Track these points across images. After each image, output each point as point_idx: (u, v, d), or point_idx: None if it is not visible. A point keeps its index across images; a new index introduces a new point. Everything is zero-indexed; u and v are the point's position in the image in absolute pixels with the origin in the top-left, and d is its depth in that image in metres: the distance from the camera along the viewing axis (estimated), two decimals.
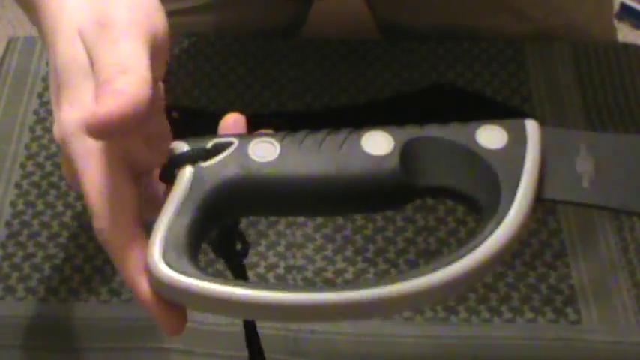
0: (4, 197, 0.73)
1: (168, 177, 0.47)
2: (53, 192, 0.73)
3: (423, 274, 0.42)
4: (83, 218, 0.71)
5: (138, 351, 0.65)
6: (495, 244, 0.43)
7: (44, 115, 0.78)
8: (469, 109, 0.80)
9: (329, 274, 0.68)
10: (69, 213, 0.72)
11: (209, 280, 0.43)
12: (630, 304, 0.67)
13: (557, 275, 0.68)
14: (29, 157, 0.75)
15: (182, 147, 0.47)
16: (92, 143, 0.45)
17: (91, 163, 0.45)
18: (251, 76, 0.81)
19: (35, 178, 0.74)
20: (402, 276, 0.42)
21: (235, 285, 0.42)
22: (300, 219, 0.71)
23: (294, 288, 0.42)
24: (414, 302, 0.43)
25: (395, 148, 0.47)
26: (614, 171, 0.47)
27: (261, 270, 0.68)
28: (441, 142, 0.47)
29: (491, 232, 0.43)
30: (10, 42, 0.84)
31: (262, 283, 0.43)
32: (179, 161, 0.47)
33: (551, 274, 0.69)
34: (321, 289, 0.42)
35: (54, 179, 0.74)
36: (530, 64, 0.83)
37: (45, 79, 0.81)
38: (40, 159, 0.75)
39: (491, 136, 0.47)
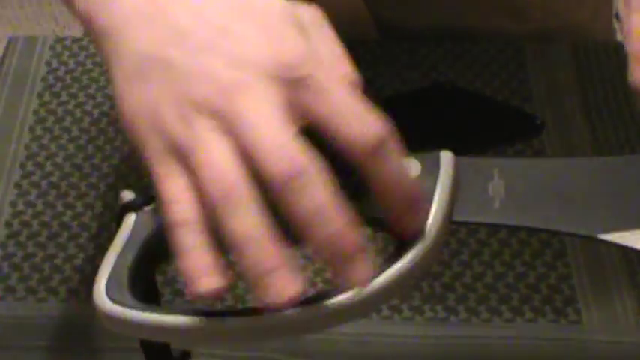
0: (4, 197, 0.73)
1: (117, 223, 0.51)
2: (53, 192, 0.73)
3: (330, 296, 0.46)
4: (83, 218, 0.71)
5: (138, 351, 0.65)
6: (405, 264, 0.46)
7: (44, 115, 0.78)
8: (469, 109, 0.80)
9: (329, 274, 0.68)
10: (69, 213, 0.72)
11: (141, 309, 0.46)
12: (630, 304, 0.67)
13: (557, 275, 0.68)
14: (29, 157, 0.75)
15: (128, 196, 0.51)
16: None
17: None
18: None
19: (35, 178, 0.74)
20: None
21: (160, 312, 0.45)
22: None
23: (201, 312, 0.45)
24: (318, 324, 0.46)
25: None
26: (524, 192, 0.49)
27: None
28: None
29: (402, 255, 0.47)
30: (10, 42, 0.84)
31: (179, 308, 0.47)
32: (125, 209, 0.51)
33: (551, 274, 0.68)
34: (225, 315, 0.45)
35: (54, 179, 0.74)
36: (530, 64, 0.83)
37: (45, 79, 0.81)
38: (40, 159, 0.75)
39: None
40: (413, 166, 0.49)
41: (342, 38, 0.88)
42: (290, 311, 0.44)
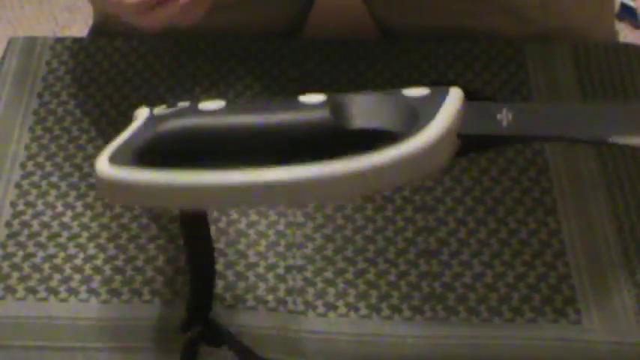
0: (4, 197, 0.73)
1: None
2: (53, 192, 0.73)
3: (332, 163, 0.46)
4: (83, 218, 0.71)
5: (138, 351, 0.65)
6: (399, 154, 0.47)
7: (44, 115, 0.78)
8: None
9: (329, 274, 0.68)
10: (69, 213, 0.72)
11: (143, 169, 0.48)
12: (630, 304, 0.67)
13: (557, 275, 0.68)
14: (29, 157, 0.75)
15: (144, 110, 0.54)
16: None
17: None
18: (251, 76, 0.81)
19: (35, 178, 0.74)
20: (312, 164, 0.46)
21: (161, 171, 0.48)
22: (300, 219, 0.71)
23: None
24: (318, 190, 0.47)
25: (326, 100, 0.51)
26: (534, 113, 0.50)
27: (261, 270, 0.68)
28: (369, 96, 0.51)
29: (398, 145, 0.47)
30: (10, 42, 0.84)
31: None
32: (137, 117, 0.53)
33: (551, 274, 0.69)
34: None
35: (54, 179, 0.74)
36: (530, 64, 0.83)
37: (45, 79, 0.81)
38: (40, 159, 0.75)
39: (415, 91, 0.51)
40: (422, 90, 0.51)
41: (344, 38, 0.88)
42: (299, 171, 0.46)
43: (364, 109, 0.50)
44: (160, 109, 0.53)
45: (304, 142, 0.50)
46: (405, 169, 0.46)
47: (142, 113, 0.54)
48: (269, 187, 0.46)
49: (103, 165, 0.49)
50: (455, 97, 0.50)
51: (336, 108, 0.50)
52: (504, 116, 0.51)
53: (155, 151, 0.51)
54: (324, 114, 0.50)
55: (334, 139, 0.49)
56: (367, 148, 0.47)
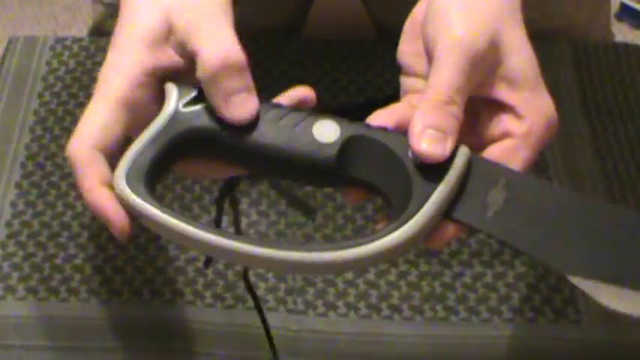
0: (4, 197, 0.73)
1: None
2: (53, 192, 0.73)
3: (316, 250, 0.50)
4: (83, 218, 0.71)
5: (137, 351, 0.65)
6: (387, 243, 0.50)
7: (44, 115, 0.78)
8: None
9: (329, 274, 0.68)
10: (69, 213, 0.72)
11: (151, 205, 0.52)
12: None
13: (557, 275, 0.68)
14: (29, 157, 0.75)
15: (172, 88, 0.56)
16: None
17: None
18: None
19: (35, 178, 0.74)
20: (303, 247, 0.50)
21: (163, 212, 0.52)
22: (300, 219, 0.71)
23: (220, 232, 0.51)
24: (302, 269, 0.52)
25: (338, 140, 0.54)
26: (521, 211, 0.52)
27: (260, 270, 0.68)
28: (378, 144, 0.53)
29: (385, 234, 0.50)
30: (10, 42, 0.84)
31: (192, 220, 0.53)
32: (166, 97, 0.56)
33: (551, 274, 0.69)
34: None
35: (54, 179, 0.74)
36: None
37: (45, 79, 0.81)
38: (40, 159, 0.75)
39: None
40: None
41: (344, 38, 0.88)
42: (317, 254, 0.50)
43: (368, 161, 0.54)
44: (186, 102, 0.55)
45: (309, 171, 0.54)
46: (390, 254, 0.51)
47: (168, 97, 0.56)
48: (262, 261, 0.51)
49: (119, 183, 0.53)
50: (454, 173, 0.52)
51: (344, 153, 0.54)
52: (496, 196, 0.52)
53: (178, 153, 0.55)
54: (330, 159, 0.53)
55: (332, 177, 0.54)
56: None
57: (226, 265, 0.68)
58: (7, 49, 0.84)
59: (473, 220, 0.52)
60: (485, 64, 0.54)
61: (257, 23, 0.87)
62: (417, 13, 0.60)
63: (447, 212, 0.52)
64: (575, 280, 0.50)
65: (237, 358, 0.64)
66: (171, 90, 0.56)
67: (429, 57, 0.55)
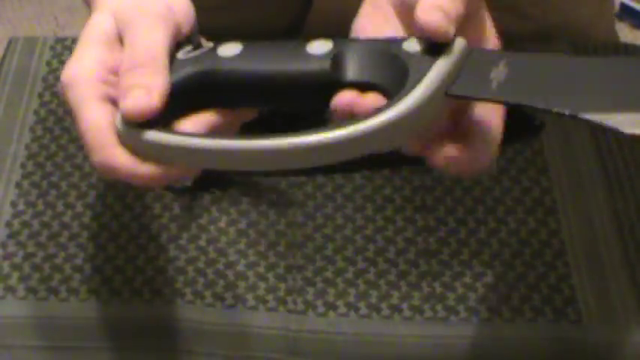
0: (4, 197, 0.73)
1: None
2: (53, 192, 0.73)
3: (324, 131, 0.50)
4: (83, 218, 0.71)
5: (138, 351, 0.65)
6: (387, 117, 0.50)
7: (44, 115, 0.78)
8: None
9: (329, 274, 0.68)
10: (69, 213, 0.72)
11: (167, 132, 0.52)
12: (630, 304, 0.67)
13: (557, 275, 0.68)
14: (29, 157, 0.75)
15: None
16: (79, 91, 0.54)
17: (82, 106, 0.54)
18: None
19: (35, 178, 0.74)
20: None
21: (187, 135, 0.52)
22: (300, 219, 0.71)
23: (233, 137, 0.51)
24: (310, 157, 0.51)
25: (331, 50, 0.54)
26: (525, 77, 0.52)
27: (261, 269, 0.68)
28: (372, 46, 0.54)
29: (386, 108, 0.50)
30: (10, 42, 0.84)
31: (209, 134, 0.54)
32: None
33: (551, 274, 0.69)
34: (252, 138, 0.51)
35: (54, 179, 0.74)
36: None
37: (45, 79, 0.81)
38: (40, 159, 0.75)
39: (416, 45, 0.53)
40: (424, 43, 0.53)
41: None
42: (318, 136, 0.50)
43: (362, 63, 0.54)
44: (185, 51, 0.57)
45: (307, 88, 0.54)
46: (390, 134, 0.50)
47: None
48: (280, 152, 0.50)
49: (119, 123, 0.53)
50: (449, 55, 0.52)
51: (337, 60, 0.54)
52: (499, 72, 0.52)
53: (176, 98, 0.55)
54: (324, 66, 0.54)
55: (332, 88, 0.54)
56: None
57: (225, 265, 0.68)
58: (7, 49, 0.84)
59: (477, 92, 0.51)
60: None
61: (257, 23, 0.87)
62: None
63: (447, 90, 0.52)
64: (596, 117, 0.49)
65: (237, 358, 0.64)
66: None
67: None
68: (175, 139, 0.52)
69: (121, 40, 0.57)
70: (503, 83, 0.51)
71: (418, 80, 0.51)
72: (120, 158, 0.53)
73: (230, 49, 0.56)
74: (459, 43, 0.53)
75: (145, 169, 0.52)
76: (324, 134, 0.50)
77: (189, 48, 0.57)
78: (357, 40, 0.56)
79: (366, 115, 0.50)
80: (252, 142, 0.50)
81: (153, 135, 0.52)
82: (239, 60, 0.55)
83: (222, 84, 0.56)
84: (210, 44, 0.58)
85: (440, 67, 0.51)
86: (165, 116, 0.54)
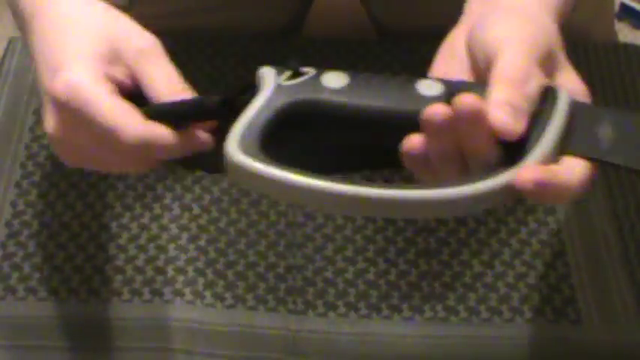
0: (4, 197, 0.73)
1: (252, 93, 0.56)
2: (53, 192, 0.73)
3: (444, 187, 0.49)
4: (83, 218, 0.71)
5: (138, 351, 0.65)
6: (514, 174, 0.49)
7: None
8: None
9: (329, 274, 0.68)
10: (69, 213, 0.72)
11: (269, 165, 0.50)
12: (630, 304, 0.67)
13: (557, 275, 0.68)
14: (29, 157, 0.75)
15: (269, 70, 0.56)
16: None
17: (97, 100, 0.54)
18: (250, 75, 0.81)
19: (35, 178, 0.74)
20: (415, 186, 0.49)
21: (285, 170, 0.50)
22: (300, 219, 0.71)
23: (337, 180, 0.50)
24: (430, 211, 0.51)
25: (444, 92, 0.53)
26: (630, 139, 0.51)
27: (260, 269, 0.68)
28: (482, 89, 0.52)
29: (519, 161, 0.50)
30: (10, 42, 0.84)
31: (313, 174, 0.51)
32: (263, 78, 0.56)
33: (551, 274, 0.69)
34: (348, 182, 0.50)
35: (54, 179, 0.74)
36: None
37: None
38: (40, 159, 0.75)
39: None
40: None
41: (344, 38, 0.88)
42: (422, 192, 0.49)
43: None
44: (286, 78, 0.55)
45: (416, 127, 0.52)
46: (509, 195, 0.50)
47: (267, 77, 0.56)
48: (371, 202, 0.49)
49: (232, 150, 0.52)
50: (562, 109, 0.51)
51: (450, 103, 0.52)
52: (604, 129, 0.52)
53: (281, 128, 0.54)
54: None
55: None
56: None
57: (225, 265, 0.68)
58: (7, 49, 0.84)
59: (590, 152, 0.51)
60: (547, 64, 0.54)
61: (257, 23, 0.87)
62: (455, 36, 0.61)
63: (561, 148, 0.51)
64: None
65: (237, 358, 0.64)
66: (268, 71, 0.56)
67: (483, 62, 0.55)
68: (287, 177, 0.50)
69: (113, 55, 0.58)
70: (613, 143, 0.51)
71: (536, 139, 0.50)
72: (158, 128, 0.54)
73: (336, 80, 0.55)
74: (564, 98, 0.52)
75: (175, 138, 0.54)
76: (443, 189, 0.49)
77: (289, 74, 0.56)
78: (467, 83, 0.55)
79: (484, 175, 0.49)
80: (364, 190, 0.49)
81: (265, 169, 0.51)
82: (347, 93, 0.54)
83: (326, 114, 0.54)
84: (313, 71, 0.56)
85: (555, 126, 0.51)
86: (262, 138, 0.53)
